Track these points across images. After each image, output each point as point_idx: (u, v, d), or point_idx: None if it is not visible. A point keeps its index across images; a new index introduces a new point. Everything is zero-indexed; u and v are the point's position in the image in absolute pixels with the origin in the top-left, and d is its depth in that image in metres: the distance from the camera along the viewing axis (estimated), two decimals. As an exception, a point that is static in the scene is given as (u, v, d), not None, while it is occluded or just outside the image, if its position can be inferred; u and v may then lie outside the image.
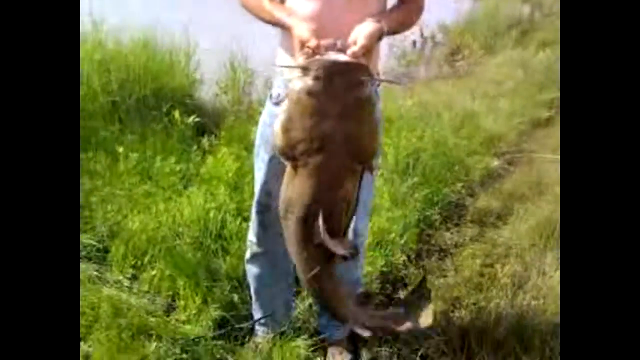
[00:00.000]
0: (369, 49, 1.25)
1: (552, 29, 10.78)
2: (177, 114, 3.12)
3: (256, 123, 1.66)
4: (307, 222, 1.29)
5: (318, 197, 1.26)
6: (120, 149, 2.72)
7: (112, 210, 2.38)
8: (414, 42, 8.77)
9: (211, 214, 2.28)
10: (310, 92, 1.18)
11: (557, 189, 2.92)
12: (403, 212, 2.39)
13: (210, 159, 2.78)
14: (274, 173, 1.47)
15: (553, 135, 3.92)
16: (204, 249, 2.12)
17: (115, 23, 3.75)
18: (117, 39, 3.73)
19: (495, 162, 3.27)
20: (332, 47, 1.20)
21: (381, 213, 2.35)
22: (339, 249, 1.28)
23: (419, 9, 1.47)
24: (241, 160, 2.74)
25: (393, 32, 1.37)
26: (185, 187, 2.59)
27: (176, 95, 3.58)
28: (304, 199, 1.28)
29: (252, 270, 1.80)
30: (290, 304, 1.89)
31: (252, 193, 1.68)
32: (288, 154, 1.25)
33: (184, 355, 1.67)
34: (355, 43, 1.24)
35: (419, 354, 1.76)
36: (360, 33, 1.26)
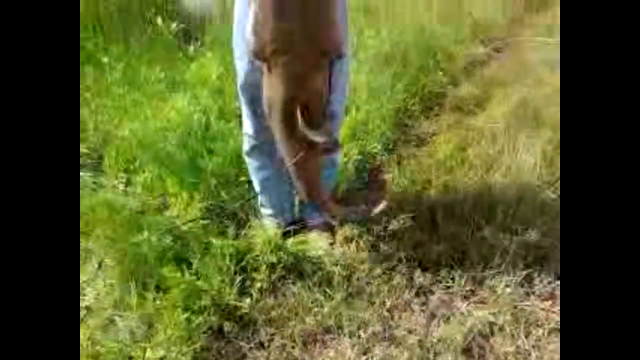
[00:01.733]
0: None
1: None
2: (159, 20, 3.13)
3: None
4: (286, 117, 1.41)
5: (293, 93, 1.37)
6: (106, 60, 2.78)
7: (102, 121, 2.50)
8: None
9: (195, 117, 2.38)
10: None
11: (540, 71, 2.94)
12: (381, 104, 2.46)
13: (194, 65, 2.83)
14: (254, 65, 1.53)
15: (545, 19, 3.84)
16: (189, 149, 2.24)
17: None
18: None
19: (481, 49, 3.25)
20: None
21: (360, 107, 2.43)
22: (318, 138, 1.41)
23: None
24: (225, 64, 2.79)
25: None
26: (171, 94, 2.67)
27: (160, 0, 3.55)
28: (280, 96, 1.39)
29: (252, 164, 1.91)
30: (293, 195, 2.02)
31: (236, 94, 1.75)
32: (260, 55, 1.33)
33: (174, 244, 1.84)
34: None
35: (388, 229, 1.92)
36: None
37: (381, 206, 1.71)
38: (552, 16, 3.85)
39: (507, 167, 2.20)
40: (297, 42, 1.29)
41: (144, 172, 2.24)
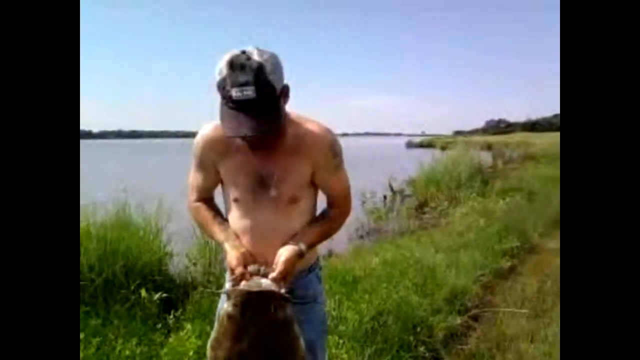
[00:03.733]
0: (288, 272, 1.44)
1: (512, 176, 11.53)
2: (143, 292, 3.20)
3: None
4: None
5: None
6: (82, 335, 2.73)
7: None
8: (385, 197, 9.28)
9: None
10: (230, 317, 1.34)
11: (520, 345, 2.96)
12: (364, 384, 2.38)
13: (172, 339, 2.80)
14: None
15: (515, 287, 4.04)
16: None
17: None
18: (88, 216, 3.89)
19: (458, 320, 3.31)
20: (257, 273, 1.40)
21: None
22: None
23: (345, 213, 1.64)
24: (203, 337, 2.76)
25: (314, 245, 1.57)
26: (146, 370, 2.57)
27: (145, 271, 3.68)
28: None
29: None
30: None
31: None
32: None
33: None
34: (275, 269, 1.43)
35: None
36: (280, 258, 1.45)
37: None
38: (522, 284, 4.07)
39: None
40: None
41: None
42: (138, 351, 2.68)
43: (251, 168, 1.54)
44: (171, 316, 3.11)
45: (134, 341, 2.75)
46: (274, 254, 1.47)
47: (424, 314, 3.23)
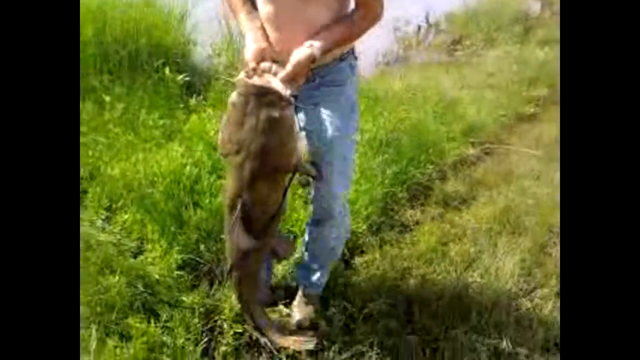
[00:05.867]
0: (297, 75, 1.49)
1: (555, 27, 10.80)
2: (167, 70, 3.20)
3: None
4: (230, 210, 1.55)
5: (239, 193, 1.51)
6: (108, 99, 2.81)
7: (93, 156, 2.48)
8: (419, 27, 8.79)
9: (187, 169, 2.39)
10: (233, 105, 1.43)
11: (525, 182, 3.04)
12: (371, 186, 2.50)
13: (194, 117, 2.88)
14: None
15: (533, 131, 4.04)
16: (175, 199, 2.23)
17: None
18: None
19: (471, 151, 3.37)
20: (269, 70, 1.47)
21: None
22: (244, 243, 1.53)
23: (371, 17, 1.56)
24: (224, 122, 2.84)
25: (330, 50, 1.55)
26: (166, 142, 2.69)
27: (169, 53, 3.66)
28: (230, 191, 1.54)
29: None
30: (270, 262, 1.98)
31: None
32: (221, 151, 1.53)
33: (145, 292, 1.78)
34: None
35: (364, 312, 1.90)
36: (292, 60, 1.48)
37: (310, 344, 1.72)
38: (540, 129, 4.06)
39: (485, 268, 2.22)
40: (247, 151, 1.45)
41: (125, 213, 2.20)
42: (161, 123, 2.77)
43: None
44: (193, 99, 3.16)
45: (157, 114, 2.83)
46: (296, 45, 1.49)
47: (438, 139, 3.27)
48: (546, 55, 6.68)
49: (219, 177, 2.41)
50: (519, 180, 3.07)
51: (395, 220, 2.53)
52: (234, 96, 1.43)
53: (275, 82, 1.43)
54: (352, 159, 1.79)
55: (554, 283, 2.14)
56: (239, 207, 1.50)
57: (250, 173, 1.46)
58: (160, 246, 2.02)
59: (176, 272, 1.91)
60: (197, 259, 2.04)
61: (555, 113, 4.60)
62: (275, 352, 1.71)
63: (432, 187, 2.85)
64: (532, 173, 3.19)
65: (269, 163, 1.46)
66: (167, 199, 2.20)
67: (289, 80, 1.46)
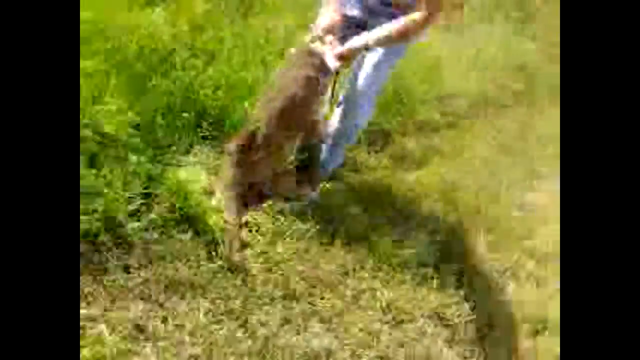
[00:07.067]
0: (347, 57, 1.82)
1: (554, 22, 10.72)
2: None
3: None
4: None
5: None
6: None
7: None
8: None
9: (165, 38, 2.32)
10: (289, 56, 1.91)
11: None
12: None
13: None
14: None
15: (498, 122, 4.11)
16: (147, 61, 2.17)
17: None
18: None
19: (437, 117, 3.44)
20: (329, 43, 1.79)
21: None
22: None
23: (430, 22, 1.78)
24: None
25: (383, 45, 1.87)
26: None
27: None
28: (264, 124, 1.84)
29: None
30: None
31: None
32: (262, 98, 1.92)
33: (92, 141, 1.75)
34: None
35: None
36: (348, 44, 1.81)
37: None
38: (504, 123, 4.14)
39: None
40: (282, 93, 1.81)
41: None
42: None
43: None
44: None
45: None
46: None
47: (413, 97, 3.31)
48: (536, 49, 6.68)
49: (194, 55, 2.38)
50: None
51: (349, 157, 2.55)
52: (291, 51, 1.86)
53: (328, 54, 1.76)
54: (386, 68, 2.02)
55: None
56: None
57: (279, 111, 1.77)
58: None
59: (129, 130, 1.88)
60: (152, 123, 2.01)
61: (525, 109, 4.68)
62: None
63: (393, 139, 2.90)
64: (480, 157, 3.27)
65: (294, 111, 1.77)
66: (138, 56, 2.15)
67: (339, 58, 1.77)
